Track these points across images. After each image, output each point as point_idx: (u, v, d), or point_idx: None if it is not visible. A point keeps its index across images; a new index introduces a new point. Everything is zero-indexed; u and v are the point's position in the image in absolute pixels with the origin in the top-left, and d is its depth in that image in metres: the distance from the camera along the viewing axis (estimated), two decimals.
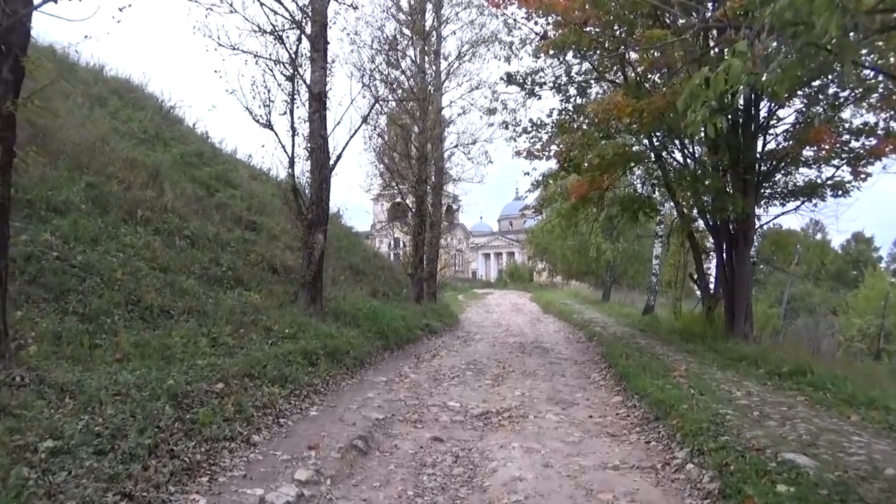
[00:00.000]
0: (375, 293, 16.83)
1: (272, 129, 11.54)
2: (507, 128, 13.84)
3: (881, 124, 11.10)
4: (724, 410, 6.10)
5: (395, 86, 19.80)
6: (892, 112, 10.82)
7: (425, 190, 20.22)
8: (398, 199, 20.24)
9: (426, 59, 20.60)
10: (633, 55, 10.48)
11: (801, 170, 13.11)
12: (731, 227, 12.81)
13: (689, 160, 12.68)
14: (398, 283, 20.65)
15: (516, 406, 7.76)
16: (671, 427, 6.02)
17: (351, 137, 12.28)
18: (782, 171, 12.85)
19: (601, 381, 9.39)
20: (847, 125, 10.94)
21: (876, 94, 10.58)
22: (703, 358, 10.62)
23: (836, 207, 12.62)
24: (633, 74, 11.85)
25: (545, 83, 12.88)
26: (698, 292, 15.57)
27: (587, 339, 15.11)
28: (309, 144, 11.93)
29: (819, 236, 54.26)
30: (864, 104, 10.50)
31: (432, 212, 21.34)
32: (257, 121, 11.59)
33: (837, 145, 10.67)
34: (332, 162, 12.09)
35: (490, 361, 11.42)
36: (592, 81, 12.99)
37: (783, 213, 13.07)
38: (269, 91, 11.45)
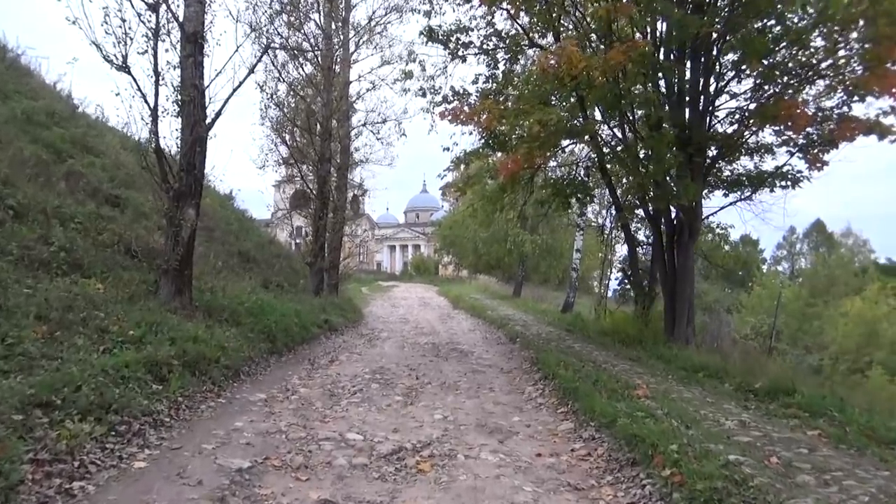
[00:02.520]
0: (268, 284, 15.04)
1: (128, 72, 8.93)
2: (424, 95, 11.94)
3: (838, 107, 9.89)
4: (731, 456, 4.31)
5: (296, 52, 17.53)
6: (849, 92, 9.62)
7: (328, 170, 18.30)
8: (296, 178, 17.85)
9: (333, 25, 18.41)
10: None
11: (742, 160, 12.02)
12: (673, 217, 11.72)
13: (634, 137, 11.21)
14: (296, 273, 18.87)
15: (438, 438, 5.78)
16: (661, 480, 4.19)
17: (235, 91, 9.85)
18: (726, 159, 11.58)
19: (539, 399, 7.61)
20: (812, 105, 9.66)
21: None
22: (653, 368, 9.31)
23: (781, 199, 11.14)
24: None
25: (471, 43, 11.06)
26: (625, 290, 14.12)
27: (509, 340, 13.68)
28: (179, 96, 9.43)
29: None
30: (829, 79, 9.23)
31: (336, 195, 19.50)
32: (109, 61, 8.94)
33: (812, 124, 9.37)
34: (209, 120, 9.69)
35: (400, 368, 9.65)
36: (525, 46, 11.27)
37: (729, 205, 11.98)
38: (124, 22, 8.81)
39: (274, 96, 17.19)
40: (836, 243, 64.87)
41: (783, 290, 42.73)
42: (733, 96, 10.69)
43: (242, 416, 6.16)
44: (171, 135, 9.67)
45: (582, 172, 14.17)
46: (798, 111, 8.58)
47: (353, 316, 17.56)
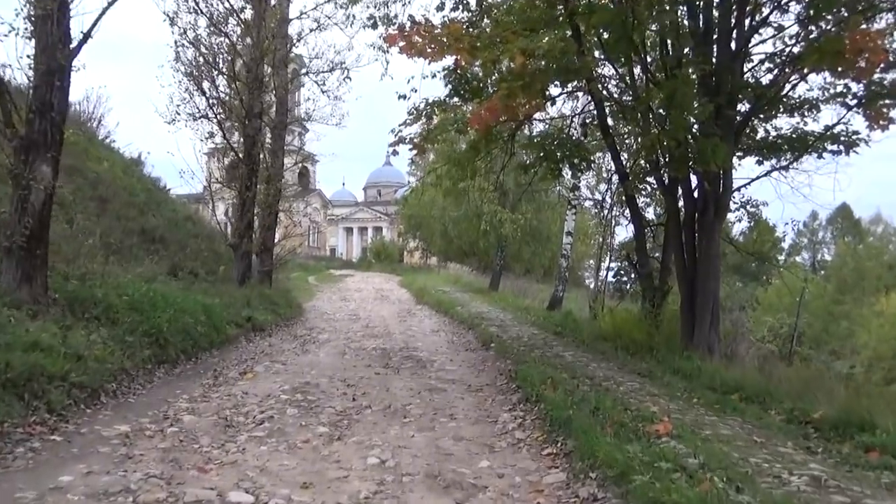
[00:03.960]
0: (177, 271, 14.43)
1: None
2: (374, 27, 10.72)
3: None
4: None
5: None
6: None
7: (259, 128, 17.26)
8: (215, 137, 16.50)
9: None
10: None
11: (780, 119, 11.39)
12: (694, 189, 10.97)
13: (647, 81, 10.20)
14: (219, 258, 18.00)
15: (367, 499, 4.52)
16: None
17: (111, 4, 8.35)
18: (762, 115, 10.68)
19: (518, 432, 6.50)
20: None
21: None
22: (670, 388, 8.35)
23: (827, 168, 10.31)
24: None
25: None
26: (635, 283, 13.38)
27: (481, 346, 12.77)
28: (30, 9, 8.03)
29: None
30: None
31: (271, 161, 18.54)
32: None
33: (887, 66, 8.34)
34: (74, 44, 8.30)
35: (333, 385, 8.57)
36: None
37: (764, 175, 11.28)
38: None
39: (189, 32, 15.85)
40: (865, 231, 65.11)
41: (806, 284, 42.48)
42: (777, 31, 9.66)
43: (79, 464, 4.89)
44: (20, 62, 8.18)
45: (577, 131, 13.18)
46: (872, 44, 7.44)
47: (289, 312, 16.88)
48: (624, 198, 13.18)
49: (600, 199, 17.18)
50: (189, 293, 11.85)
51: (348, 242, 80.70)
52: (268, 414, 6.76)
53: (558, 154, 11.68)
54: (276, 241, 19.72)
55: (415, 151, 10.48)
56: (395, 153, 10.35)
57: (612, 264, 18.05)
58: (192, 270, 15.20)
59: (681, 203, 11.59)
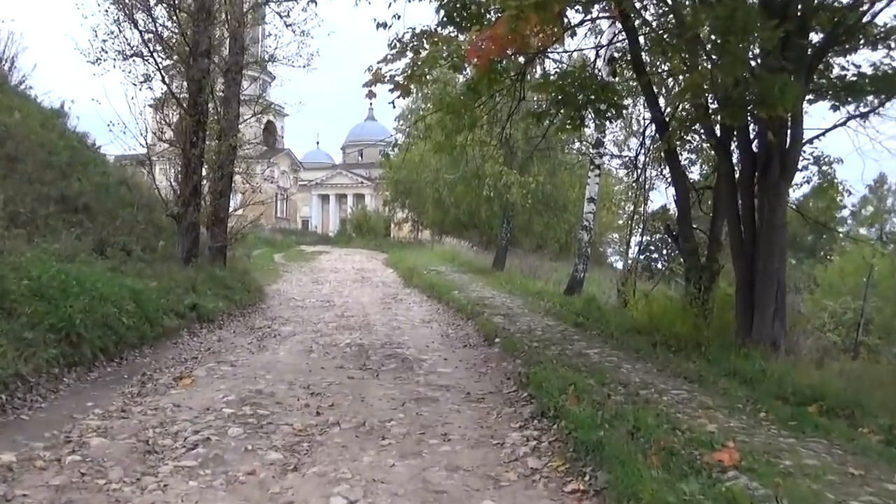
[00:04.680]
0: (104, 247, 14.17)
1: None
2: None
3: None
4: None
5: None
6: None
7: (207, 69, 16.77)
8: (151, 76, 16.07)
9: None
10: None
11: (861, 53, 10.94)
12: (753, 141, 10.70)
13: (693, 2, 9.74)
14: (160, 231, 17.79)
15: None
16: None
17: None
18: (838, 48, 10.36)
19: (532, 458, 6.01)
20: None
21: None
22: (729, 398, 7.88)
23: None
24: None
25: None
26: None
27: (483, 341, 12.45)
28: None
29: None
30: None
31: (223, 110, 18.13)
32: None
33: None
34: None
35: (293, 393, 8.16)
36: None
37: (842, 124, 10.82)
38: None
39: None
40: None
41: (874, 261, 42.26)
42: None
43: None
44: None
45: (603, 70, 12.69)
46: None
47: (246, 298, 16.68)
48: (662, 154, 12.90)
49: (632, 156, 16.67)
50: (116, 276, 11.52)
51: (324, 213, 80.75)
52: (203, 435, 6.29)
53: (580, 98, 11.22)
54: (230, 210, 19.32)
55: (397, 94, 9.85)
56: (371, 96, 9.67)
57: (645, 238, 17.58)
58: (125, 247, 14.90)
59: (736, 159, 11.33)
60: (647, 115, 13.62)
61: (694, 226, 13.02)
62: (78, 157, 18.00)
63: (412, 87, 10.32)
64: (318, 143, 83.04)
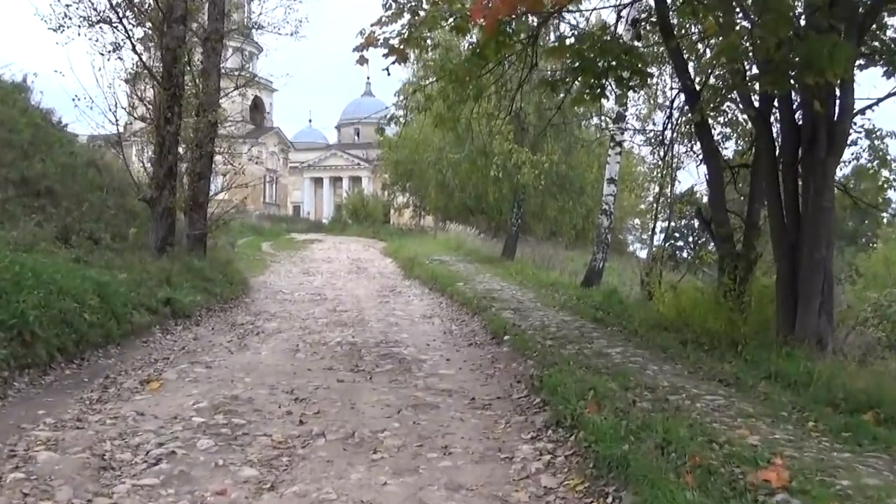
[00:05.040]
0: (69, 235, 14.47)
1: None
2: None
3: None
4: None
5: None
6: None
7: (182, 37, 16.82)
8: (120, 45, 16.14)
9: None
10: None
11: None
12: (796, 112, 10.57)
13: None
14: (132, 217, 18.01)
15: None
16: None
17: None
18: (894, 5, 10.29)
19: (545, 475, 5.80)
20: None
21: None
22: (772, 404, 7.71)
23: None
24: None
25: None
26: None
27: (490, 339, 12.40)
28: None
29: None
30: None
31: (202, 83, 18.20)
32: None
33: None
34: None
35: (275, 398, 8.04)
36: None
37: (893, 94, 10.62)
38: None
39: None
40: None
41: None
42: None
43: None
44: None
45: (625, 34, 12.44)
46: None
47: (228, 291, 16.80)
48: (692, 128, 12.79)
49: (658, 130, 16.50)
50: (79, 267, 11.59)
51: (317, 197, 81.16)
52: (168, 448, 6.12)
53: (599, 65, 11.05)
54: (210, 194, 19.35)
55: (392, 59, 9.60)
56: (362, 62, 9.43)
57: (672, 223, 17.41)
58: (92, 235, 15.08)
59: (776, 133, 11.21)
60: (675, 84, 13.62)
61: (728, 209, 12.93)
62: (42, 136, 18.09)
63: (409, 51, 10.11)
64: (310, 121, 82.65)
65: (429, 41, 10.91)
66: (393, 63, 9.54)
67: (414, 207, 53.31)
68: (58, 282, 9.65)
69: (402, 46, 9.63)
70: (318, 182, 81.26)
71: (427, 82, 13.26)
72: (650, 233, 17.89)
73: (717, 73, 12.18)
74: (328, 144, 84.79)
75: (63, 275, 10.09)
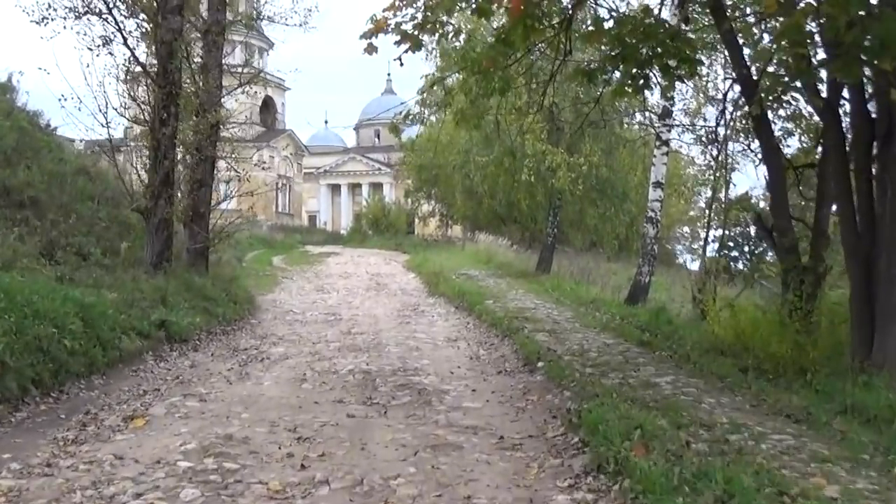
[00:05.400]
0: (54, 250, 14.41)
1: None
2: None
3: None
4: None
5: None
6: None
7: (180, 29, 16.84)
8: (110, 38, 16.15)
9: None
10: None
11: None
12: (866, 102, 10.32)
13: None
14: (127, 230, 18.00)
15: None
16: None
17: None
18: None
19: None
20: None
21: None
22: (849, 444, 7.36)
23: None
24: None
25: None
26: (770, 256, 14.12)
27: (522, 365, 12.17)
28: None
29: None
30: None
31: (202, 80, 18.32)
32: None
33: None
34: None
35: (275, 438, 7.81)
36: None
37: None
38: None
39: None
40: None
41: None
42: None
43: None
44: None
45: (670, 17, 12.08)
46: None
47: (232, 311, 16.85)
48: (749, 123, 12.70)
49: (710, 126, 16.24)
50: (62, 287, 11.44)
51: (334, 206, 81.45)
52: (147, 499, 5.92)
53: (643, 51, 10.71)
54: (212, 203, 19.40)
55: (405, 47, 9.29)
56: (371, 51, 9.12)
57: (725, 231, 17.22)
58: (80, 249, 15.07)
59: (847, 126, 10.97)
60: (729, 73, 13.64)
61: (792, 215, 12.68)
62: (27, 140, 18.24)
63: (424, 38, 9.81)
64: (326, 122, 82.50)
65: (448, 27, 10.69)
66: (406, 51, 9.25)
67: (440, 216, 53.55)
68: (34, 304, 9.51)
69: (415, 32, 9.36)
70: (335, 189, 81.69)
71: (446, 74, 13.01)
72: (703, 242, 17.48)
73: (777, 59, 11.84)
74: (346, 148, 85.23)
75: (42, 296, 9.95)
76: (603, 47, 11.57)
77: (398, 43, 9.17)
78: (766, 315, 12.04)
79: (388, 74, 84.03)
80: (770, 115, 12.49)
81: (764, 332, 11.36)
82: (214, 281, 17.71)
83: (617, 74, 11.80)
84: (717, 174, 16.30)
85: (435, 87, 13.07)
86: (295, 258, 39.65)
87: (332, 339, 14.62)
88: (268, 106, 66.71)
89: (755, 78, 12.10)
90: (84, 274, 13.32)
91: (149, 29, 16.64)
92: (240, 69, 20.50)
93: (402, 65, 9.45)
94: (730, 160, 16.32)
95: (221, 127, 19.07)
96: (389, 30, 9.12)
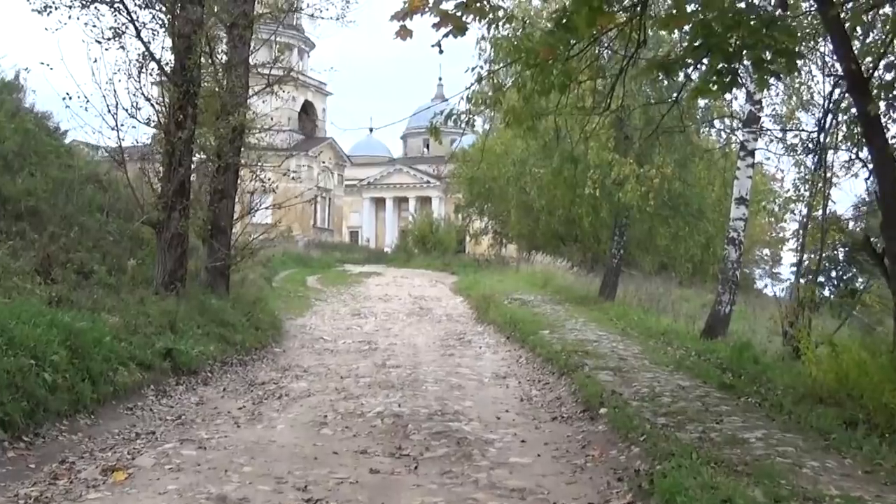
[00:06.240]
0: (51, 267, 14.08)
1: None
2: None
3: None
4: None
5: None
6: None
7: (200, 20, 16.72)
8: (121, 30, 15.99)
9: None
10: None
11: None
12: None
13: None
14: (139, 245, 18.01)
15: None
16: None
17: None
18: None
19: None
20: None
21: None
22: None
23: None
24: None
25: None
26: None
27: (581, 410, 11.64)
28: None
29: None
30: None
31: (225, 79, 18.10)
32: None
33: None
34: None
35: (278, 499, 7.37)
36: None
37: None
38: None
39: None
40: None
41: None
42: None
43: None
44: None
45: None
46: None
47: (253, 338, 16.77)
48: (855, 128, 11.79)
49: (808, 131, 15.84)
50: (50, 310, 11.09)
51: (378, 222, 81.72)
52: None
53: (732, 41, 10.04)
54: (235, 216, 19.20)
55: (445, 30, 8.57)
56: (405, 34, 8.32)
57: (822, 253, 16.55)
58: (82, 267, 14.87)
59: None
60: (833, 69, 12.99)
61: None
62: (32, 144, 18.21)
63: (469, 20, 9.10)
64: (371, 130, 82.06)
65: (500, 10, 10.03)
66: (447, 35, 8.53)
67: (493, 234, 53.63)
68: (10, 331, 9.15)
69: (457, 12, 8.65)
70: (379, 203, 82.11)
71: (497, 67, 12.33)
72: (796, 266, 16.73)
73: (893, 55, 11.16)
74: (392, 158, 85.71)
75: (24, 321, 9.64)
76: (685, 37, 10.97)
77: (437, 26, 8.48)
78: (875, 356, 11.19)
79: (440, 79, 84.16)
80: (882, 118, 11.73)
81: (874, 377, 10.48)
82: (235, 303, 17.60)
83: (699, 70, 11.19)
84: (815, 188, 15.63)
85: (483, 83, 12.36)
86: (331, 278, 39.95)
87: (363, 374, 14.38)
88: (307, 112, 66.80)
89: (867, 75, 11.30)
90: (83, 295, 13.00)
91: (165, 20, 16.25)
92: (268, 67, 20.14)
93: (441, 51, 8.67)
94: (829, 172, 15.75)
95: (247, 131, 18.86)
96: (427, 9, 8.44)
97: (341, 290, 34.05)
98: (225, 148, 17.24)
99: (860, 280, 20.70)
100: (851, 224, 17.99)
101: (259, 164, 20.18)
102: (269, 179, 19.38)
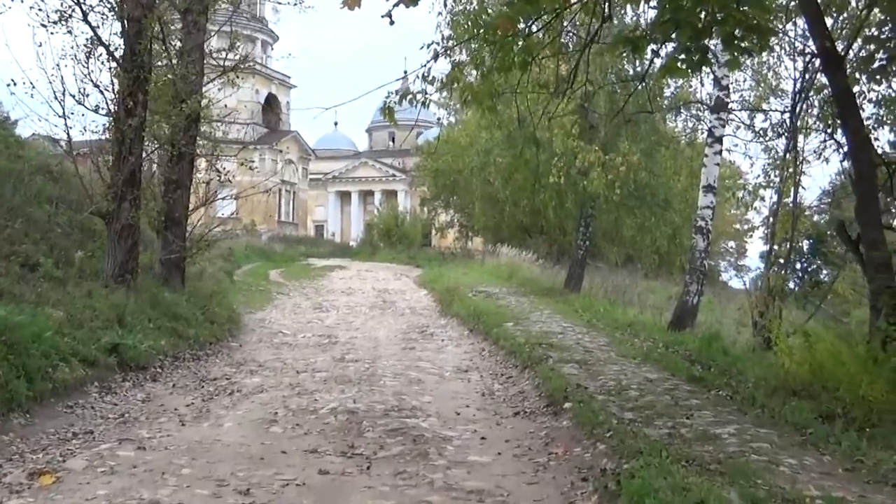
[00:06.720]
0: None
1: None
2: None
3: None
4: None
5: None
6: None
7: (151, 4, 16.33)
8: (67, 13, 15.78)
9: None
10: None
11: None
12: None
13: None
14: (91, 236, 17.67)
15: None
16: None
17: None
18: None
19: None
20: None
21: None
22: None
23: None
24: None
25: None
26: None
27: (545, 405, 11.27)
28: None
29: None
30: None
31: (178, 66, 17.71)
32: None
33: None
34: None
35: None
36: None
37: None
38: None
39: None
40: None
41: None
42: None
43: None
44: None
45: None
46: None
47: (208, 332, 16.46)
48: (828, 110, 11.77)
49: (784, 111, 15.75)
50: None
51: (343, 215, 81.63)
52: None
53: (701, 15, 9.64)
54: (190, 206, 18.82)
55: (397, 4, 8.14)
56: (353, 4, 7.90)
57: (793, 243, 16.75)
58: (28, 260, 14.46)
59: None
60: (803, 46, 12.87)
61: (883, 223, 11.71)
62: None
63: None
64: (335, 123, 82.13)
65: None
66: (397, 5, 8.04)
67: (459, 227, 53.74)
68: None
69: None
70: (345, 197, 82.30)
71: (454, 43, 11.99)
72: (767, 255, 16.60)
73: (868, 27, 10.95)
74: (357, 152, 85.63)
75: None
76: (651, 11, 10.48)
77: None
78: (851, 347, 10.92)
79: (405, 72, 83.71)
80: (859, 98, 11.66)
81: (850, 368, 10.16)
82: (191, 297, 17.30)
83: (666, 47, 10.78)
84: (785, 173, 15.44)
85: (437, 60, 11.96)
86: (295, 272, 39.86)
87: (320, 368, 14.08)
88: (271, 105, 66.38)
89: (842, 52, 11.06)
90: (26, 288, 12.59)
91: (114, 3, 15.75)
92: (224, 53, 19.69)
93: (392, 23, 8.18)
94: (801, 157, 15.55)
95: (202, 120, 18.53)
96: None
97: (304, 284, 33.86)
98: (178, 136, 16.85)
99: (825, 272, 20.54)
100: (816, 217, 17.83)
101: (215, 154, 19.83)
102: (227, 171, 18.98)
